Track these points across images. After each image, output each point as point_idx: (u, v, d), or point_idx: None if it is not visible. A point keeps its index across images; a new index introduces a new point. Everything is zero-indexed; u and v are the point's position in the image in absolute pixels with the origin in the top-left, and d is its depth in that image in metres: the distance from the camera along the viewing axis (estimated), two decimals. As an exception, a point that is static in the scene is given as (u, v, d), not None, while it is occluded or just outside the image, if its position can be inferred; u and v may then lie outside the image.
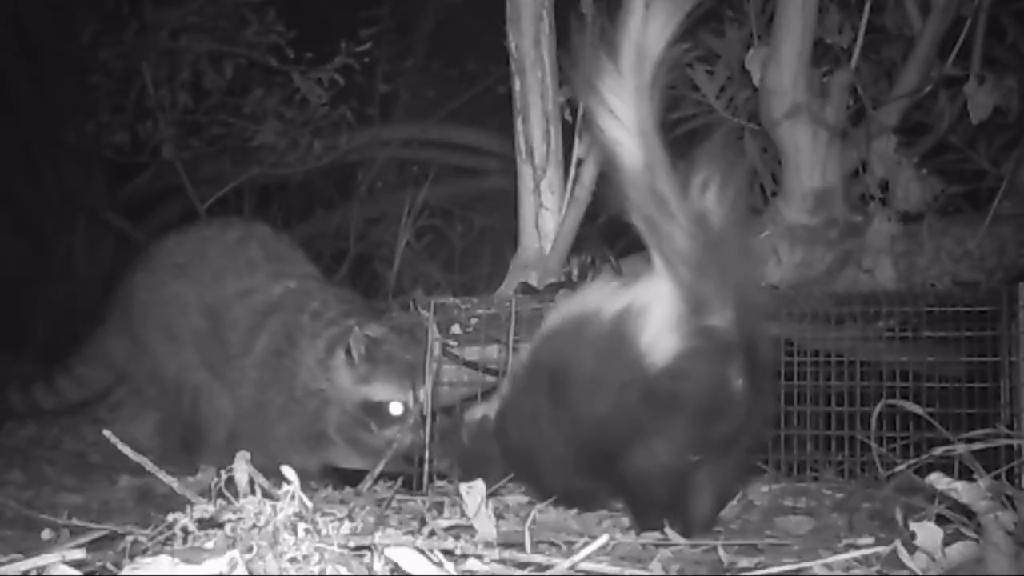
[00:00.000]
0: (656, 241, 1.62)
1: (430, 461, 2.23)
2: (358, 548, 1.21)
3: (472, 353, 2.45)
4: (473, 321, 2.33)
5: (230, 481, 1.25)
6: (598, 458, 1.72)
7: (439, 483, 2.23)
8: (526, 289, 2.53)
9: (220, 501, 1.23)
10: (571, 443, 1.76)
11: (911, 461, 1.63)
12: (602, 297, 1.77)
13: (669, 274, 1.62)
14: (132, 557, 1.22)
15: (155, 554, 1.13)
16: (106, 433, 1.42)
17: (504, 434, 1.96)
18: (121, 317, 2.82)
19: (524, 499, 2.04)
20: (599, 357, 1.69)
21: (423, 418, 2.27)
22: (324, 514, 1.25)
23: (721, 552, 1.49)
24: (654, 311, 1.63)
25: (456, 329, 2.37)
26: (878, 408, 1.79)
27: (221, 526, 1.18)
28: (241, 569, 1.10)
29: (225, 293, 2.65)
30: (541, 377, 1.83)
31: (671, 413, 1.63)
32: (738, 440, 1.70)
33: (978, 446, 1.59)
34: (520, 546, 1.34)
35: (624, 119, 1.52)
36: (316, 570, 1.15)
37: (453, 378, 2.49)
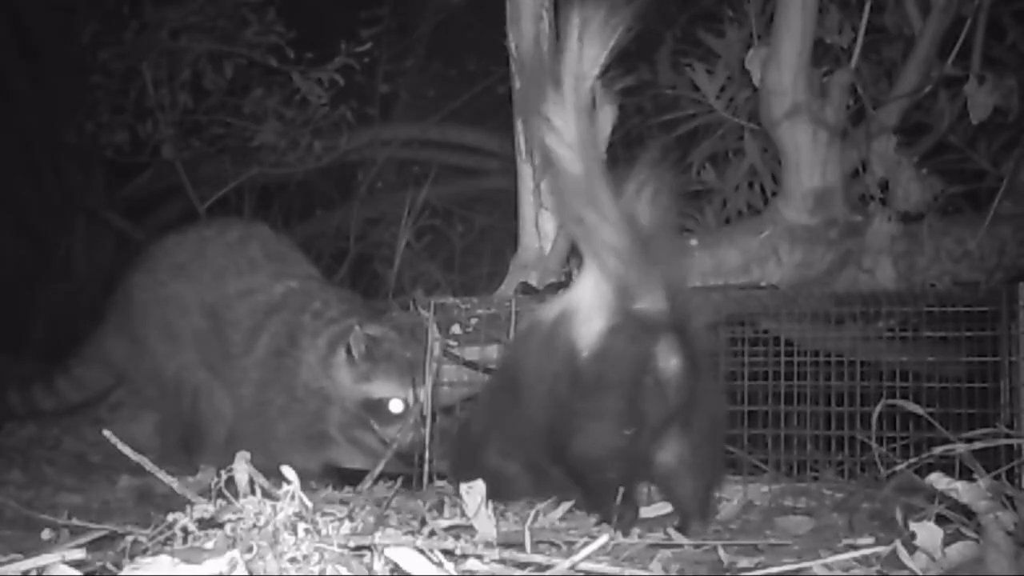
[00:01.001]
0: (587, 236, 1.77)
1: (430, 461, 2.23)
2: (358, 548, 1.21)
3: (472, 353, 2.45)
4: (473, 321, 2.33)
5: (230, 481, 1.25)
6: (550, 449, 1.82)
7: (439, 483, 2.23)
8: (526, 289, 2.53)
9: (220, 501, 1.23)
10: (528, 439, 1.87)
11: (911, 461, 1.63)
12: (552, 302, 1.95)
13: (598, 266, 1.77)
14: (132, 557, 1.22)
15: (155, 554, 1.13)
16: (106, 433, 1.42)
17: (469, 435, 2.07)
18: (120, 317, 2.82)
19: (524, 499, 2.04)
20: (541, 354, 1.83)
21: (423, 418, 2.27)
22: (324, 514, 1.25)
23: (721, 552, 1.49)
24: (583, 301, 1.78)
25: (456, 329, 2.38)
26: (878, 408, 1.79)
27: (221, 526, 1.18)
28: (241, 569, 1.10)
29: (226, 293, 2.65)
30: (502, 380, 1.99)
31: (600, 393, 1.73)
32: (690, 422, 1.77)
33: (978, 446, 1.59)
34: (520, 546, 1.34)
35: (564, 133, 1.72)
36: (316, 570, 1.15)
37: (453, 378, 2.49)
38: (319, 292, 2.63)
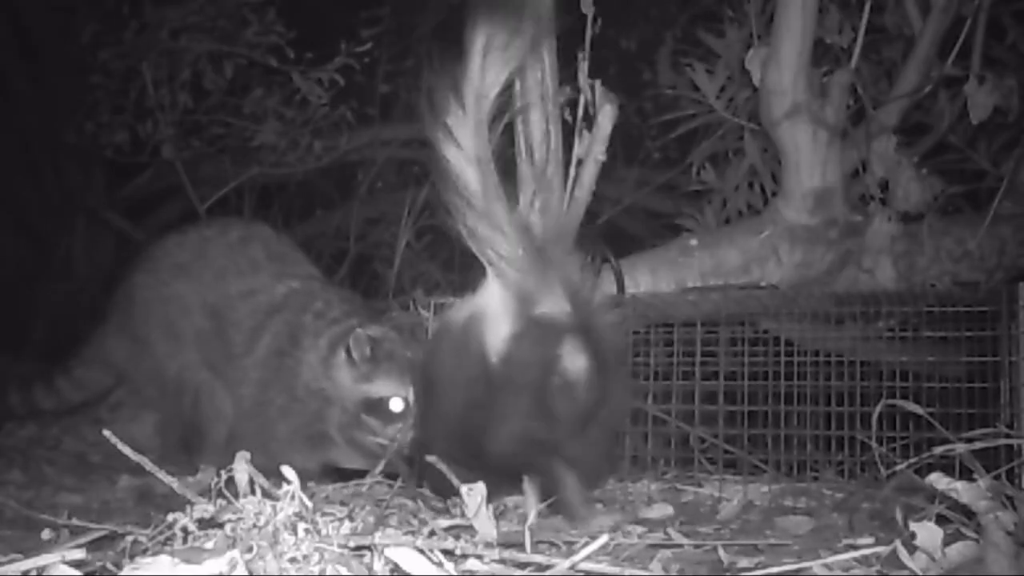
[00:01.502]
0: (483, 249, 1.86)
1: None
2: (358, 548, 1.21)
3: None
4: None
5: (230, 481, 1.25)
6: (468, 448, 1.89)
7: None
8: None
9: (220, 501, 1.23)
10: (448, 437, 1.95)
11: (911, 461, 1.63)
12: (461, 304, 2.04)
13: (497, 276, 1.87)
14: (132, 557, 1.22)
15: (155, 554, 1.13)
16: (106, 433, 1.42)
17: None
18: (122, 317, 2.82)
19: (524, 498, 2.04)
20: (453, 356, 1.94)
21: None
22: (324, 514, 1.25)
23: (721, 552, 1.49)
24: (489, 307, 1.89)
25: None
26: (878, 408, 1.79)
27: (221, 526, 1.18)
28: (241, 569, 1.10)
29: (228, 293, 2.65)
30: (422, 381, 2.10)
31: (509, 395, 1.83)
32: (596, 418, 1.87)
33: (978, 446, 1.59)
34: (520, 546, 1.34)
35: (463, 148, 1.81)
36: (316, 570, 1.15)
37: None
38: (321, 292, 2.63)
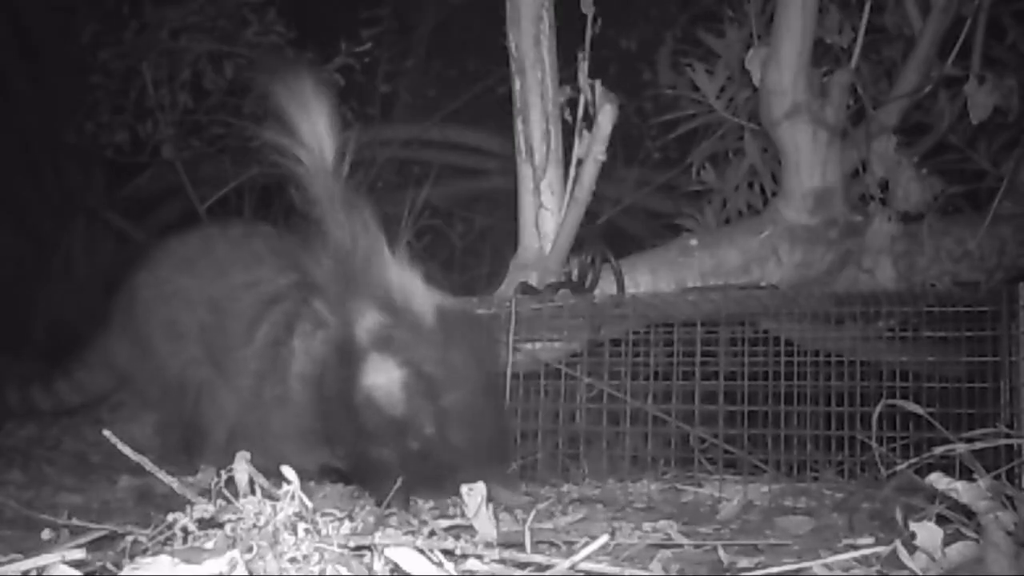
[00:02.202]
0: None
1: None
2: (358, 548, 1.21)
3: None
4: None
5: (230, 481, 1.25)
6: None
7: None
8: (526, 289, 2.53)
9: (220, 501, 1.23)
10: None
11: (912, 461, 1.63)
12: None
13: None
14: (132, 557, 1.22)
15: (155, 554, 1.13)
16: (106, 433, 1.42)
17: None
18: (123, 318, 2.82)
19: (524, 499, 2.04)
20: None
21: None
22: (324, 514, 1.25)
23: (721, 552, 1.49)
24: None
25: None
26: (879, 408, 1.79)
27: (221, 526, 1.18)
28: (241, 569, 1.10)
29: (230, 285, 2.65)
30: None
31: (327, 415, 1.98)
32: (422, 427, 1.92)
33: (978, 446, 1.59)
34: (520, 546, 1.34)
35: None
36: (316, 570, 1.15)
37: None
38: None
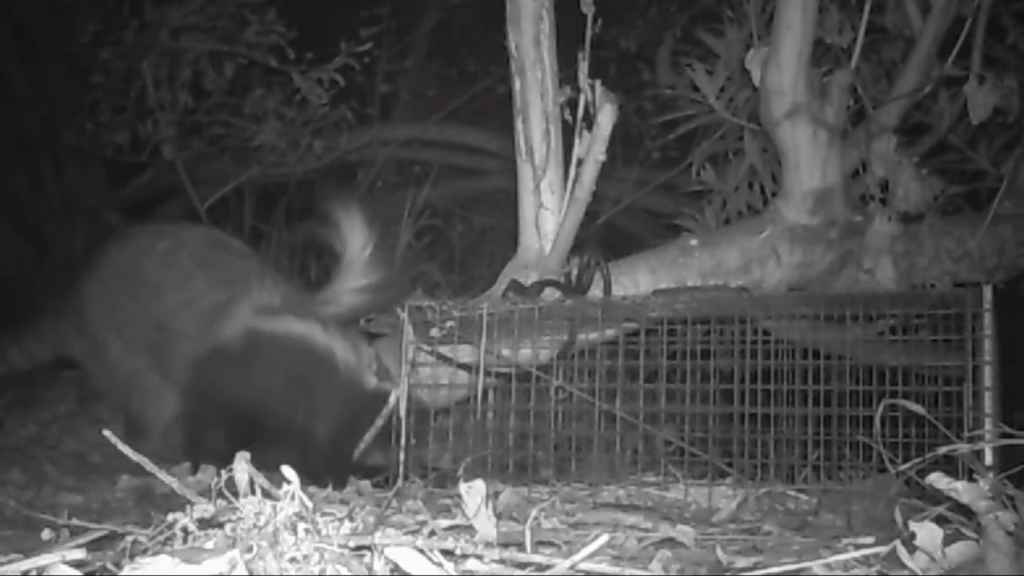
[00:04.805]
0: None
1: (406, 462, 2.23)
2: (358, 548, 1.21)
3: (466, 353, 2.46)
4: (448, 324, 2.32)
5: (230, 481, 1.25)
6: None
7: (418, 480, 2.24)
8: (516, 287, 2.52)
9: (220, 501, 1.23)
10: None
11: (915, 460, 1.63)
12: None
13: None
14: (132, 557, 1.22)
15: (155, 554, 1.13)
16: (106, 433, 1.42)
17: None
18: (77, 320, 2.89)
19: (524, 499, 2.04)
20: None
21: (399, 419, 2.27)
22: (324, 514, 1.25)
23: (720, 552, 1.49)
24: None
25: (435, 332, 2.36)
26: (880, 409, 1.79)
27: (221, 526, 1.18)
28: (241, 569, 1.10)
29: (169, 306, 2.73)
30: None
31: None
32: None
33: (981, 446, 1.59)
34: (520, 546, 1.34)
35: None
36: (316, 570, 1.15)
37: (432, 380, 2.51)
38: (257, 295, 2.71)
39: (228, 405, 2.56)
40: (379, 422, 2.43)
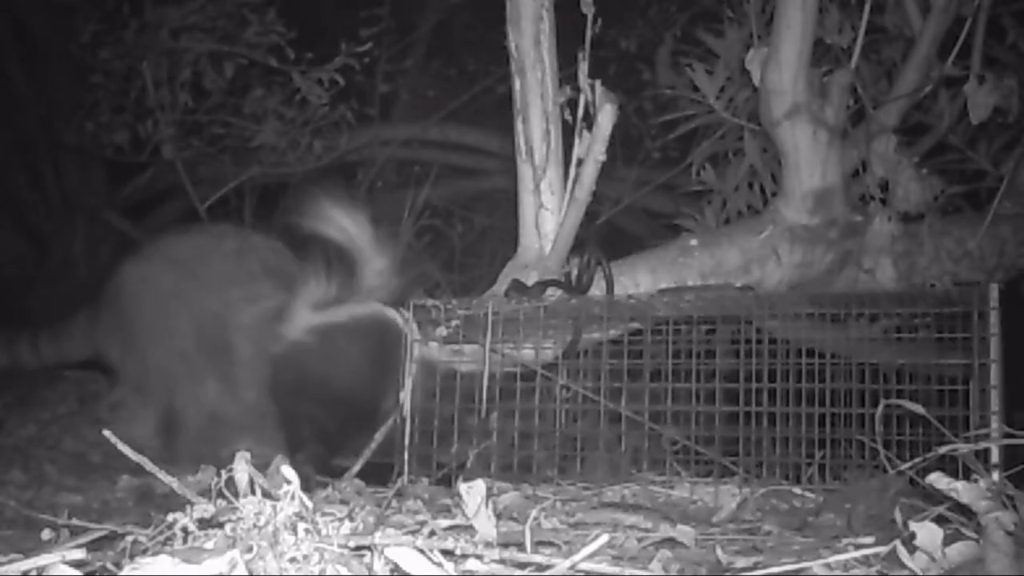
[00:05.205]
0: None
1: (409, 461, 2.23)
2: (358, 548, 1.21)
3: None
4: (453, 323, 2.32)
5: (230, 481, 1.25)
6: None
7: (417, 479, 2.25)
8: (517, 287, 2.52)
9: (220, 501, 1.23)
10: None
11: (916, 460, 1.63)
12: None
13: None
14: (132, 557, 1.22)
15: (155, 554, 1.13)
16: (106, 433, 1.42)
17: None
18: (112, 305, 2.87)
19: (524, 499, 2.04)
20: None
21: (403, 419, 2.27)
22: (324, 514, 1.25)
23: (720, 552, 1.49)
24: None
25: (441, 331, 2.36)
26: (880, 408, 1.79)
27: (221, 526, 1.18)
28: (241, 569, 1.10)
29: (224, 297, 2.70)
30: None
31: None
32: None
33: (982, 446, 1.59)
34: (520, 546, 1.34)
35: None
36: (316, 570, 1.15)
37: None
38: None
39: (320, 399, 2.47)
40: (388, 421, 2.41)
